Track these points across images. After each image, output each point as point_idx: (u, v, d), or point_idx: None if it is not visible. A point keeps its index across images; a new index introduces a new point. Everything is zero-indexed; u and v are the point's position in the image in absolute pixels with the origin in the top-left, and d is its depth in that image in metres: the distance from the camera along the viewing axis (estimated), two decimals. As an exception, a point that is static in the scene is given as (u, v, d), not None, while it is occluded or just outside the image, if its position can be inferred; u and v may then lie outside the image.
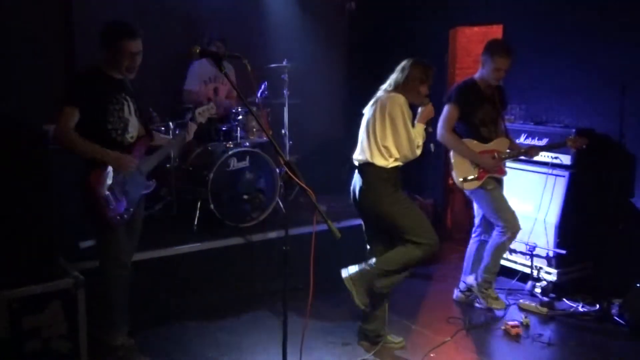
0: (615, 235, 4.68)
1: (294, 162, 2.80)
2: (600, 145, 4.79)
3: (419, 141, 3.70)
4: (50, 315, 3.16)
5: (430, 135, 3.94)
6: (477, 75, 4.43)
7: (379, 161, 3.64)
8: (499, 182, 4.49)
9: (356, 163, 3.77)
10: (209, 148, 5.13)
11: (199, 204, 4.86)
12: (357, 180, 3.78)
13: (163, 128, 4.85)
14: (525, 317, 4.30)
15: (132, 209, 3.46)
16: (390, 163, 3.65)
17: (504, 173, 4.47)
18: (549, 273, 4.76)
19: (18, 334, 3.07)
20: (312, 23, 6.34)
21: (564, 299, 4.64)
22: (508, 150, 4.44)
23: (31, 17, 4.94)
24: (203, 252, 4.54)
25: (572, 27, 5.03)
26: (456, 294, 4.71)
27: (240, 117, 5.20)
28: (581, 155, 4.67)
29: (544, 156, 4.78)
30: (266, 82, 5.38)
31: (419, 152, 3.71)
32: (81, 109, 3.24)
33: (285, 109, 5.48)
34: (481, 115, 4.38)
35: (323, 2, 6.60)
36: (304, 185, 2.63)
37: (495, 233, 4.43)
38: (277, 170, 5.06)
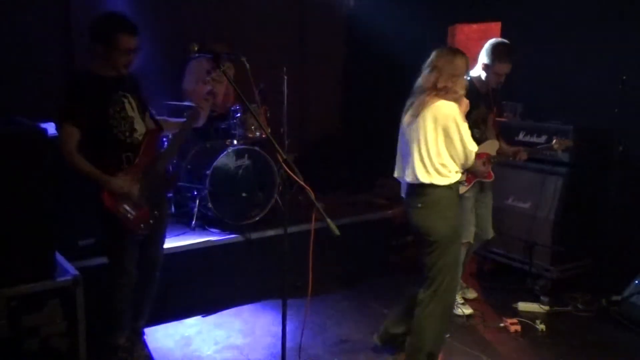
0: (614, 231, 4.69)
1: (292, 159, 2.79)
2: (599, 141, 4.80)
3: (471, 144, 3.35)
4: (49, 314, 3.15)
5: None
6: (474, 74, 4.28)
7: (440, 181, 3.29)
8: (483, 188, 4.36)
9: (407, 180, 3.39)
10: (208, 146, 5.13)
11: (197, 201, 4.86)
12: (413, 201, 3.40)
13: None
14: (541, 323, 4.23)
15: (156, 212, 3.39)
16: (452, 177, 3.32)
17: (492, 177, 4.31)
18: (548, 270, 4.77)
19: (17, 332, 3.06)
20: (311, 20, 6.33)
21: (563, 296, 4.65)
22: (496, 154, 4.29)
23: (29, 15, 4.93)
24: (201, 249, 4.54)
25: (570, 24, 5.04)
26: None
27: (239, 115, 5.20)
28: (580, 152, 4.67)
29: (543, 154, 4.78)
30: (265, 81, 5.37)
31: (473, 155, 3.35)
32: (81, 125, 3.11)
33: (284, 107, 5.46)
34: (475, 116, 4.21)
35: (321, -1, 6.60)
36: (302, 183, 2.63)
37: None
38: (276, 168, 5.05)
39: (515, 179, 4.94)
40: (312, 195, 2.63)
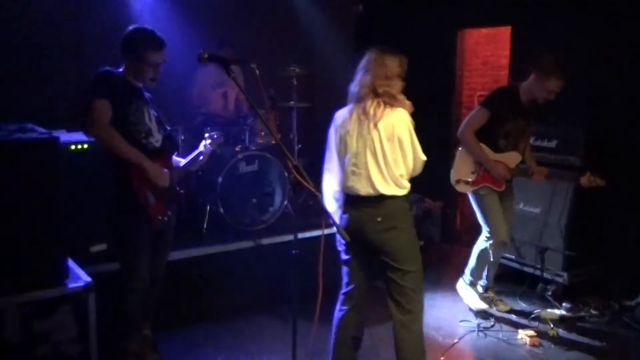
0: (625, 236, 4.65)
1: (302, 165, 2.79)
2: (610, 146, 4.76)
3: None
4: (61, 320, 3.17)
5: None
6: (524, 85, 4.15)
7: (399, 192, 3.14)
8: (503, 193, 4.33)
9: (361, 193, 3.14)
10: (218, 152, 5.14)
11: (208, 207, 4.87)
12: (367, 214, 3.13)
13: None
14: (553, 328, 4.17)
15: (170, 213, 3.44)
16: (407, 187, 3.19)
17: (501, 187, 4.27)
18: (560, 275, 4.73)
19: (28, 339, 3.07)
20: (319, 26, 6.35)
21: (575, 302, 4.61)
22: (514, 168, 4.25)
23: (42, 26, 4.98)
24: (212, 255, 4.56)
25: (581, 27, 5.00)
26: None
27: (248, 121, 5.21)
28: (591, 157, 4.64)
29: (553, 158, 4.76)
30: (274, 86, 5.40)
31: (422, 164, 3.22)
32: (111, 102, 3.15)
33: (294, 113, 5.48)
34: (509, 128, 4.18)
35: (330, 5, 6.61)
36: (312, 189, 2.63)
37: (481, 237, 4.40)
38: (286, 174, 5.06)
39: (526, 184, 4.91)
40: (322, 201, 2.63)
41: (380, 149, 3.08)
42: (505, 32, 5.85)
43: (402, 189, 3.14)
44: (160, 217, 3.36)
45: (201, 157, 3.67)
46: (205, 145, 3.69)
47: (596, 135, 4.71)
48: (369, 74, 3.15)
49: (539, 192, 4.88)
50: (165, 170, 3.38)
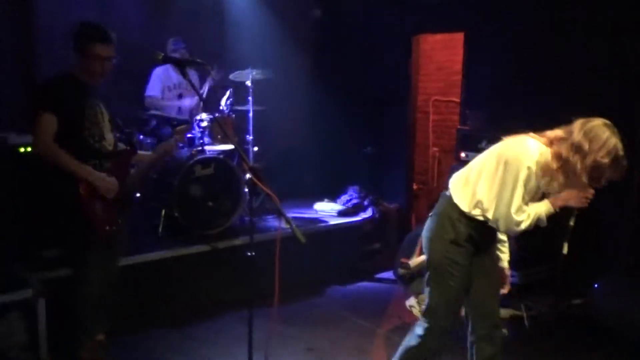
0: (575, 236, 4.78)
1: (258, 168, 2.80)
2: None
3: (524, 217, 2.77)
4: (9, 326, 3.09)
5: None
6: None
7: (461, 203, 2.91)
8: None
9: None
10: (174, 155, 5.09)
11: (163, 211, 4.81)
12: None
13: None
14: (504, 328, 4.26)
15: (120, 220, 3.38)
16: (474, 212, 2.88)
17: None
18: (512, 276, 4.84)
19: (-25, 346, 2.99)
20: (277, 30, 6.35)
21: (527, 301, 4.73)
22: None
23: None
24: (168, 259, 4.50)
25: (534, 33, 5.15)
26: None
27: (205, 124, 5.17)
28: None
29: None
30: (231, 89, 5.37)
31: (516, 228, 2.79)
32: (59, 116, 3.11)
33: (250, 116, 5.47)
34: None
35: (287, 8, 6.62)
36: (268, 191, 2.63)
37: None
38: (242, 177, 5.04)
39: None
40: (278, 203, 2.65)
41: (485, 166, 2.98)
42: (459, 37, 5.97)
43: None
44: (108, 228, 3.29)
45: (168, 152, 3.66)
46: (169, 141, 3.65)
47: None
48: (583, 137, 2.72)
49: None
50: (113, 179, 3.30)
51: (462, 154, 5.26)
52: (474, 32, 5.65)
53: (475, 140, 5.11)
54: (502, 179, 2.76)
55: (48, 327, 3.22)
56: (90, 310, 3.38)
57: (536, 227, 2.84)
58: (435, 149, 7.30)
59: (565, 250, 2.94)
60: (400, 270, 4.75)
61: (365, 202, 5.97)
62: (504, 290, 3.29)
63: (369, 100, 6.41)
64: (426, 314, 3.02)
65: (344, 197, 6.06)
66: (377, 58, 6.34)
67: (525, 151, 2.76)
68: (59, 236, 3.43)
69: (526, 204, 2.78)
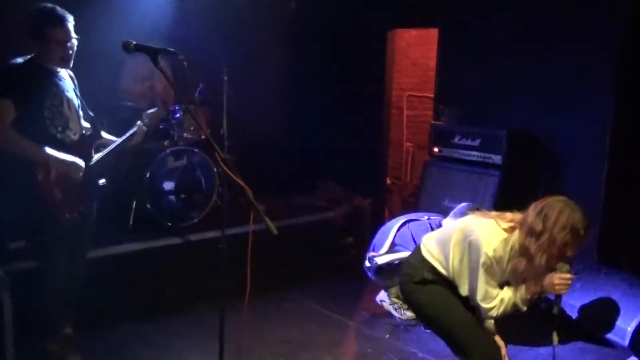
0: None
1: (232, 162, 2.77)
2: (530, 144, 4.99)
3: (494, 304, 2.72)
4: (-27, 320, 3.02)
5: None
6: None
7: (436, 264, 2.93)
8: None
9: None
10: (145, 146, 5.02)
11: (134, 203, 4.75)
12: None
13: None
14: None
15: (82, 208, 3.32)
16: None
17: None
18: None
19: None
20: (252, 22, 6.30)
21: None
22: None
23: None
24: (139, 252, 4.45)
25: (505, 30, 5.20)
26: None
27: (177, 115, 5.12)
28: (511, 155, 4.84)
29: (477, 156, 4.93)
30: (204, 81, 5.32)
31: (489, 315, 2.78)
32: (16, 103, 3.02)
33: (224, 108, 5.42)
34: None
35: (263, 1, 6.58)
36: (241, 183, 2.62)
37: None
38: (215, 169, 5.01)
39: (450, 181, 5.07)
40: (251, 195, 2.63)
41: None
42: (434, 34, 6.00)
43: None
44: (69, 216, 3.23)
45: (135, 137, 3.55)
46: (138, 124, 3.57)
47: (518, 135, 4.91)
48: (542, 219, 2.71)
49: (462, 189, 5.04)
50: (78, 160, 3.24)
51: (436, 149, 5.31)
52: (447, 28, 5.69)
53: (448, 135, 5.17)
54: (468, 261, 2.78)
55: (14, 321, 3.15)
56: (57, 302, 3.32)
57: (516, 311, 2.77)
58: (409, 144, 7.35)
59: (555, 341, 2.82)
60: (369, 264, 4.77)
61: (339, 197, 5.98)
62: None
63: (343, 95, 6.42)
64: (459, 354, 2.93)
65: (318, 192, 6.06)
66: (352, 53, 6.34)
67: (486, 237, 2.72)
68: (22, 227, 3.36)
69: (498, 287, 2.75)
